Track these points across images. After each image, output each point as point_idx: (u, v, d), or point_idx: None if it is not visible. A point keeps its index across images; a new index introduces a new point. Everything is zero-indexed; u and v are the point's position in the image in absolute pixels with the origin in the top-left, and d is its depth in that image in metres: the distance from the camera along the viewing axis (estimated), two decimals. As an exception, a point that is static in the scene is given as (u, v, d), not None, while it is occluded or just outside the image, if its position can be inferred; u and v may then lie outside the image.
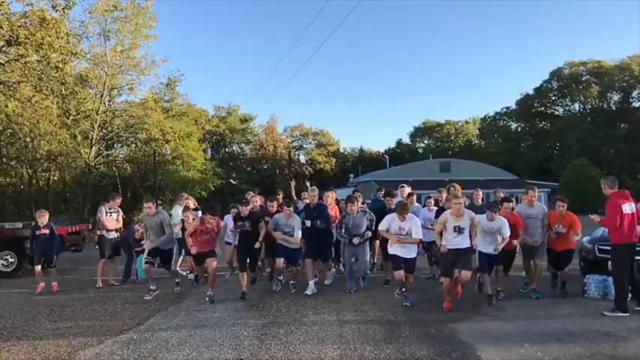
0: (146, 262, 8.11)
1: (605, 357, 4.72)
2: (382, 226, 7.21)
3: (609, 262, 7.23)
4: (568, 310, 6.65)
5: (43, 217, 9.05)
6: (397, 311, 6.64)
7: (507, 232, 7.01)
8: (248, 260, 7.98)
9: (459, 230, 6.67)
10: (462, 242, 6.71)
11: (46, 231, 9.02)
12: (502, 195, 9.02)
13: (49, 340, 5.71)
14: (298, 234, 7.95)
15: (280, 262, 8.01)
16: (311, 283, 8.01)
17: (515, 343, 5.16)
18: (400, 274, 6.99)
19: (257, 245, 7.90)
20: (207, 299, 7.44)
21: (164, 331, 5.94)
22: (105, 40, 27.95)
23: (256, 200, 8.87)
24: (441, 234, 6.91)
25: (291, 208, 8.05)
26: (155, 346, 5.32)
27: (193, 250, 7.57)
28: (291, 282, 8.30)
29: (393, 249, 7.10)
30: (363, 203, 9.17)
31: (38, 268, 8.88)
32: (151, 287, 8.13)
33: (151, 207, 8.33)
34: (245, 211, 7.96)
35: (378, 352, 4.97)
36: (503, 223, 7.03)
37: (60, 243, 9.72)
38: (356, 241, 7.92)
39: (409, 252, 7.05)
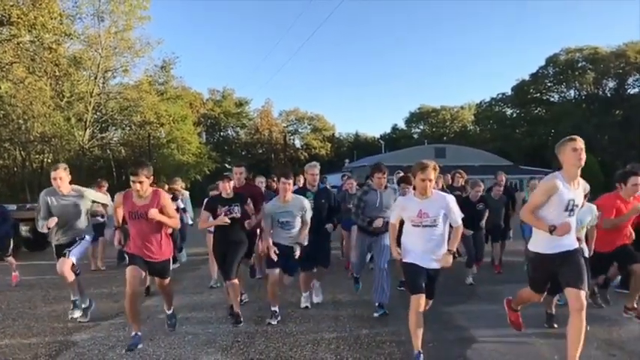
0: (62, 255, 5.40)
1: (599, 341, 4.77)
2: (392, 217, 4.67)
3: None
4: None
5: None
6: (393, 294, 6.65)
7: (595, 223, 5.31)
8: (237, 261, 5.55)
9: (571, 209, 3.99)
10: (568, 237, 4.05)
11: None
12: (504, 178, 8.79)
13: (44, 321, 5.71)
14: (308, 219, 5.62)
15: (274, 273, 5.51)
16: (306, 294, 6.27)
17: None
18: (420, 311, 4.26)
19: (250, 224, 5.69)
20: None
21: (160, 313, 5.92)
22: (99, 21, 27.77)
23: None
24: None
25: (290, 182, 5.51)
26: (151, 328, 5.33)
27: (130, 249, 4.79)
28: (272, 308, 5.60)
29: (410, 254, 4.37)
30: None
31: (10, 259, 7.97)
32: (73, 297, 5.63)
33: (63, 178, 5.41)
34: (227, 188, 5.59)
35: (374, 335, 5.00)
36: (592, 211, 5.32)
37: (10, 229, 8.27)
38: (380, 222, 5.55)
39: (434, 259, 4.31)
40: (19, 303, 6.65)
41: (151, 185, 4.64)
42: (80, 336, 5.12)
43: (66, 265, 5.31)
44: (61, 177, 5.38)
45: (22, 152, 26.90)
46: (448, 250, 4.30)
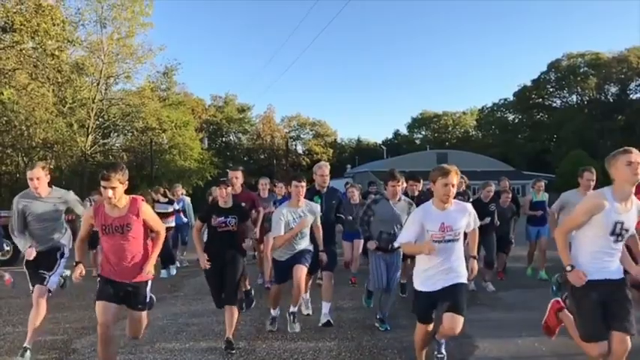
0: (41, 282, 4.60)
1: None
2: (406, 236, 3.89)
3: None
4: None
5: None
6: (394, 300, 6.62)
7: None
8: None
9: (619, 234, 3.33)
10: (614, 263, 3.40)
11: None
12: (507, 184, 8.77)
13: (45, 328, 5.67)
14: (319, 223, 5.30)
15: (277, 287, 5.35)
16: (306, 297, 6.13)
17: (513, 333, 5.16)
18: (428, 331, 4.02)
19: (255, 234, 5.90)
20: None
21: (161, 319, 5.92)
22: (101, 27, 27.93)
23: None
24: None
25: (304, 184, 5.13)
26: (152, 335, 5.29)
27: (102, 270, 4.00)
28: (273, 314, 5.43)
29: (423, 282, 3.89)
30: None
31: None
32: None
33: (41, 179, 4.57)
34: (225, 196, 4.98)
35: (375, 342, 4.97)
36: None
37: (1, 238, 7.65)
38: (372, 245, 5.25)
39: (454, 275, 3.82)
40: (20, 310, 6.61)
41: (126, 192, 3.88)
42: (80, 342, 5.11)
43: (43, 297, 4.57)
44: (39, 177, 4.54)
45: (24, 158, 26.92)
46: (472, 256, 4.07)
